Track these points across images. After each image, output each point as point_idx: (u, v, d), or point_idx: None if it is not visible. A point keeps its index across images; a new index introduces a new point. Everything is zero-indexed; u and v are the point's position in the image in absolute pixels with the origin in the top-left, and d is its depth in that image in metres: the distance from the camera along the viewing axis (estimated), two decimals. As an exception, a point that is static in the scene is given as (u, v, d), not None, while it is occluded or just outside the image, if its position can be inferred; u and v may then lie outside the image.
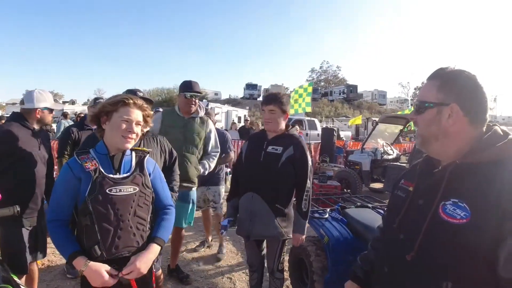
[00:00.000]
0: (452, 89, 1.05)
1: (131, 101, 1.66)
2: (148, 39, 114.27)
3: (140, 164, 1.72)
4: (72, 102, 39.81)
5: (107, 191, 1.55)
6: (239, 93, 51.55)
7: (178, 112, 3.14)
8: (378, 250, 1.39)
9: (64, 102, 36.52)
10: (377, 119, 10.05)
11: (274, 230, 2.38)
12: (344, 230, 2.75)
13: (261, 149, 2.44)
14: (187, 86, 3.09)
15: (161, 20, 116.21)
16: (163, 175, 1.89)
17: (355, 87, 49.41)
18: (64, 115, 11.18)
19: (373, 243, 1.49)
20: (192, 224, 3.42)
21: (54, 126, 10.61)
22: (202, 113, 3.24)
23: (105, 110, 1.66)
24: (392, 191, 1.32)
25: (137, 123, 1.67)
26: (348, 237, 2.68)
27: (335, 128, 12.72)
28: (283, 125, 2.46)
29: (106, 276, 1.50)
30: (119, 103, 1.64)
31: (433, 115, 1.08)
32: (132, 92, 2.60)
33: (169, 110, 3.29)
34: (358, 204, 3.28)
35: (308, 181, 2.39)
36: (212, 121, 4.24)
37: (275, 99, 2.41)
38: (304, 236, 2.47)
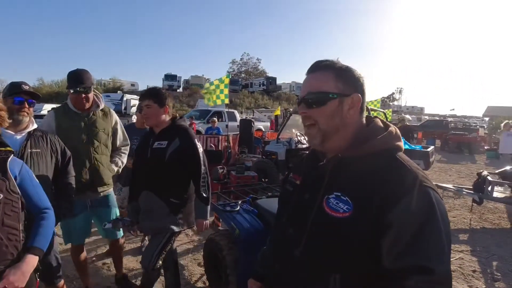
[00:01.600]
0: (349, 80, 1.04)
1: None
2: (59, 27, 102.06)
3: (2, 167, 1.52)
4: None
5: None
6: (158, 84, 49.28)
7: (73, 109, 2.63)
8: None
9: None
10: (291, 110, 10.50)
11: (167, 223, 2.39)
12: (255, 221, 2.77)
13: (147, 146, 2.44)
14: (73, 80, 2.57)
15: (72, 7, 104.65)
16: (33, 175, 1.71)
17: (274, 79, 50.90)
18: None
19: (271, 236, 1.44)
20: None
21: None
22: (102, 105, 2.76)
23: None
24: (282, 185, 1.31)
25: None
26: (259, 228, 2.69)
27: (253, 120, 12.97)
28: (164, 118, 2.46)
29: None
30: None
31: (336, 106, 1.03)
32: (17, 86, 2.27)
33: (60, 108, 2.73)
34: (269, 194, 3.36)
35: (203, 167, 2.41)
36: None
37: (149, 94, 2.42)
38: (207, 221, 2.51)
